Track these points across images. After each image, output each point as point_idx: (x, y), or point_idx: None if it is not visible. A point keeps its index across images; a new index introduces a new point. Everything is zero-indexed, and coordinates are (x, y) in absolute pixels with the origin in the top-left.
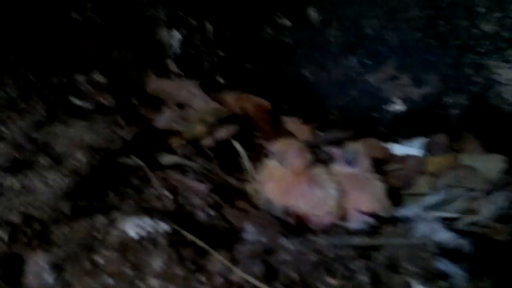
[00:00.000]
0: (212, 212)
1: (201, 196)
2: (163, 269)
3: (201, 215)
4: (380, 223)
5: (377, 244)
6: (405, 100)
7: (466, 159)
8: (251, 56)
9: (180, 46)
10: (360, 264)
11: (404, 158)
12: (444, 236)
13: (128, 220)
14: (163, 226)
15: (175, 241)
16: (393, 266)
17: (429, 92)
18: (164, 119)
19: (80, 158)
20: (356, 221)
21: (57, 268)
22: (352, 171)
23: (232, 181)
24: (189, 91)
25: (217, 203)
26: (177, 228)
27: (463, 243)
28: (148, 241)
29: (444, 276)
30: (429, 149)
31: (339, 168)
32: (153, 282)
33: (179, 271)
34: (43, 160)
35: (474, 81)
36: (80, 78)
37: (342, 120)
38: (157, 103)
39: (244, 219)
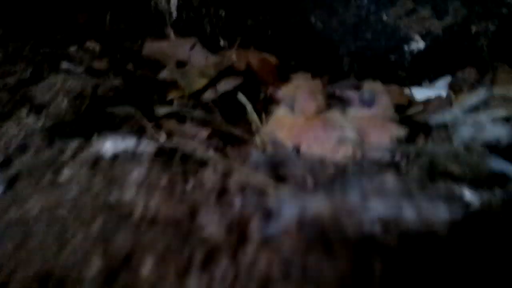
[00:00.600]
0: (211, 153)
1: (200, 141)
2: (141, 180)
3: (198, 155)
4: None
5: (411, 151)
6: (425, 36)
7: (500, 90)
8: (253, 11)
9: (178, 10)
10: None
11: (427, 101)
12: (495, 132)
13: (106, 139)
14: (148, 146)
15: (159, 157)
16: (435, 172)
17: (452, 23)
18: (162, 76)
19: (62, 104)
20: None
21: (10, 182)
22: (370, 113)
23: (237, 131)
24: (187, 49)
25: (218, 147)
26: (166, 145)
27: None
28: (126, 157)
29: (499, 178)
30: (455, 88)
31: (356, 111)
32: (128, 193)
33: (162, 181)
34: (24, 110)
35: (503, 1)
36: (73, 48)
37: (356, 68)
38: (155, 66)
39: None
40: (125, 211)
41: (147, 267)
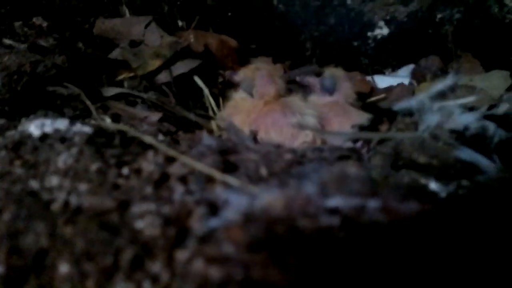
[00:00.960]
0: (161, 137)
1: (150, 124)
2: (68, 166)
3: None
4: (374, 123)
5: (374, 138)
6: (389, 22)
7: (465, 79)
8: None
9: None
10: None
11: (389, 89)
12: (463, 119)
13: (33, 121)
14: (82, 127)
15: (94, 139)
16: (399, 161)
17: (417, 8)
18: (113, 55)
19: None
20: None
21: None
22: (332, 99)
23: (191, 116)
24: (142, 28)
25: (170, 131)
26: (103, 125)
27: (489, 126)
28: (56, 140)
29: (466, 167)
30: (418, 76)
31: (317, 97)
32: (53, 180)
33: (93, 166)
34: None
35: None
36: (18, 24)
37: (319, 54)
38: (107, 45)
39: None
40: (44, 201)
41: (62, 269)
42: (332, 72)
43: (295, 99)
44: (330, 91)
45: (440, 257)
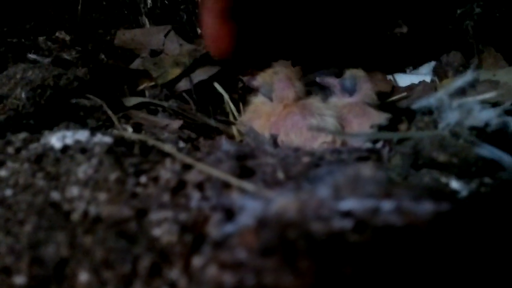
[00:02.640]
0: (182, 144)
1: (171, 132)
2: (88, 176)
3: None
4: (394, 123)
5: (393, 138)
6: (408, 19)
7: (488, 74)
8: None
9: None
10: (368, 164)
11: (410, 87)
12: (483, 116)
13: (55, 133)
14: (103, 138)
15: (114, 149)
16: (419, 160)
17: (436, 4)
18: (134, 65)
19: (21, 96)
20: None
21: None
22: (352, 100)
23: (211, 122)
24: (162, 37)
25: (190, 138)
26: (123, 135)
27: (510, 121)
28: (77, 151)
29: (488, 165)
30: (440, 72)
31: (337, 98)
32: (73, 190)
33: (112, 176)
34: None
35: None
36: (42, 38)
37: (337, 54)
38: (128, 55)
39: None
40: (65, 211)
41: (82, 278)
42: (352, 73)
43: (314, 101)
44: (351, 91)
45: (461, 258)
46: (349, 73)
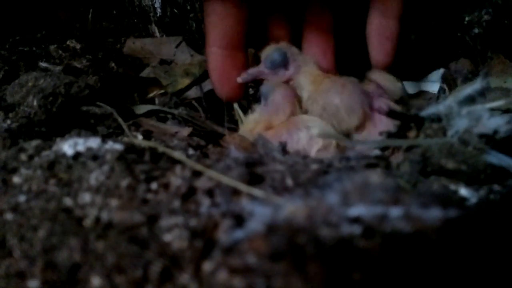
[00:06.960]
0: (191, 151)
1: (180, 139)
2: (100, 182)
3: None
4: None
5: (402, 145)
6: (417, 26)
7: (498, 81)
8: None
9: (162, 7)
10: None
11: (419, 94)
12: (492, 123)
13: (67, 140)
14: (114, 145)
15: (125, 156)
16: (428, 167)
17: (444, 12)
18: (144, 74)
19: (33, 104)
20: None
21: None
22: None
23: (220, 129)
24: (172, 47)
25: (199, 145)
26: (134, 142)
27: None
28: (88, 157)
29: (497, 172)
30: (448, 80)
31: None
32: (85, 197)
33: (123, 182)
34: None
35: None
36: (53, 47)
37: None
38: (138, 64)
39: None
40: (77, 217)
41: (95, 282)
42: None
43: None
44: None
45: (469, 265)
46: None
